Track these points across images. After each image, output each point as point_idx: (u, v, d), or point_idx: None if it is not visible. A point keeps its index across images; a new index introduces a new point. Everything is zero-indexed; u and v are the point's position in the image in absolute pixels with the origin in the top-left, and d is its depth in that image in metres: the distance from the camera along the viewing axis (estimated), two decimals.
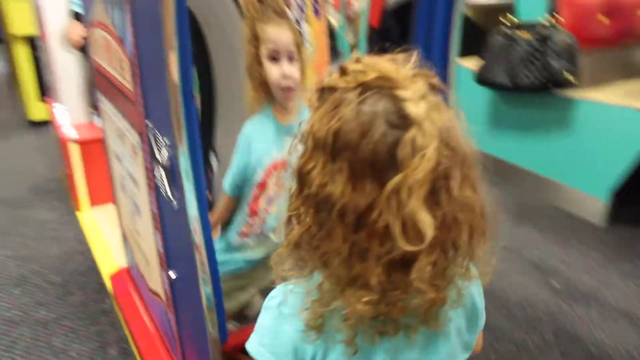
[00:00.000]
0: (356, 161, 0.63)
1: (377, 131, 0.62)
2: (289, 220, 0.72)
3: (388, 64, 0.67)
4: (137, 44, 1.17)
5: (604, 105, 2.70)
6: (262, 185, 1.42)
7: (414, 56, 0.69)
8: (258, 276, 1.55)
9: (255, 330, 0.80)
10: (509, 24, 2.94)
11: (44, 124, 4.05)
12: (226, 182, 1.43)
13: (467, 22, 4.02)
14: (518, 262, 2.53)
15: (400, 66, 0.67)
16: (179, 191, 1.12)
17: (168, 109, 1.06)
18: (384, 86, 0.65)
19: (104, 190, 2.82)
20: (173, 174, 1.13)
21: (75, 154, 2.67)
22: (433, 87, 0.67)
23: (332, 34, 1.39)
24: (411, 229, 0.62)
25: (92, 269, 2.40)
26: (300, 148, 0.70)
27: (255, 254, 1.52)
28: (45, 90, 3.57)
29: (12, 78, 4.74)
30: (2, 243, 2.66)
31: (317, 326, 0.72)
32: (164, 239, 1.36)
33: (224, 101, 1.77)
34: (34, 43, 3.84)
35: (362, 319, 0.68)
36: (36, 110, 4.12)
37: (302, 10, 1.32)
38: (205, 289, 1.18)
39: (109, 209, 2.84)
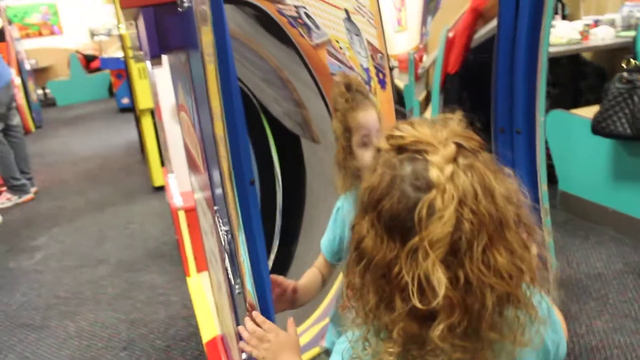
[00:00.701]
0: (378, 218, 0.68)
1: (397, 192, 0.66)
2: (347, 268, 0.77)
3: (426, 129, 0.70)
4: (202, 131, 1.20)
5: None
6: None
7: (458, 116, 0.72)
8: None
9: None
10: (629, 68, 2.69)
11: (164, 190, 4.34)
12: (322, 242, 1.43)
13: (589, 67, 3.78)
14: None
15: (437, 130, 0.70)
16: (239, 277, 1.11)
17: (224, 196, 1.06)
18: (418, 150, 0.68)
19: None
20: (232, 259, 1.12)
21: (182, 220, 2.79)
22: (467, 149, 0.68)
23: (399, 97, 1.36)
24: (427, 288, 0.64)
25: (194, 335, 2.46)
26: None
27: None
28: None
29: (141, 146, 5.18)
30: (116, 306, 2.83)
31: None
32: (236, 320, 1.35)
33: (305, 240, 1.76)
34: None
35: None
36: (159, 176, 4.43)
37: (368, 84, 1.30)
38: None
39: None
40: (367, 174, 0.72)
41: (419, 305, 0.64)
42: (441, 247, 0.64)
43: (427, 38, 1.43)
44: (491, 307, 0.66)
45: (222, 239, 1.18)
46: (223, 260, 1.31)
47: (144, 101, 4.35)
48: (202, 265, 2.93)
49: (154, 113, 4.19)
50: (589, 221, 3.11)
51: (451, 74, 1.35)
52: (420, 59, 1.43)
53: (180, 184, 3.00)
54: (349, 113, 1.28)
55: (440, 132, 0.70)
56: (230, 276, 1.17)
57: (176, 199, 2.85)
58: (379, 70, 1.30)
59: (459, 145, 0.68)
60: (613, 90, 2.69)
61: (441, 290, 0.63)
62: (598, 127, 2.76)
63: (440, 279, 0.63)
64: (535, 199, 1.28)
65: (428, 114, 1.93)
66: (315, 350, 1.86)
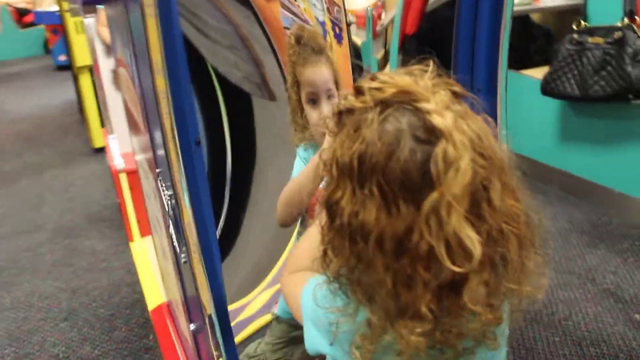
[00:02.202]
0: (386, 184, 0.59)
1: (404, 149, 0.59)
2: (324, 253, 0.69)
3: (405, 78, 0.64)
4: (142, 86, 1.09)
5: None
6: (311, 210, 1.32)
7: (431, 66, 0.66)
8: None
9: (316, 278, 0.77)
10: (579, 29, 2.69)
11: (104, 151, 4.14)
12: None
13: (538, 29, 3.79)
14: (592, 290, 2.27)
15: (418, 78, 0.64)
16: (185, 245, 1.03)
17: (167, 158, 0.96)
18: (404, 100, 0.61)
19: None
20: (177, 226, 1.04)
21: (124, 183, 2.67)
22: (456, 95, 0.64)
23: (356, 54, 1.31)
24: (457, 248, 0.59)
25: (138, 302, 2.37)
26: (325, 177, 0.67)
27: None
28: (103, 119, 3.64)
29: (80, 106, 4.92)
30: (56, 274, 2.69)
31: None
32: (183, 290, 1.27)
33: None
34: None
35: (418, 351, 0.64)
36: (99, 137, 4.22)
37: (324, 39, 1.22)
38: (222, 349, 1.07)
39: None
40: (341, 140, 0.63)
41: (455, 268, 0.58)
42: (463, 200, 0.58)
43: None
44: (515, 257, 0.64)
45: (165, 204, 1.10)
46: (167, 227, 1.23)
47: (81, 58, 4.09)
48: (145, 230, 2.81)
49: (92, 71, 3.97)
50: (537, 181, 3.17)
51: (409, 35, 1.29)
52: (379, 17, 1.37)
53: (122, 145, 2.86)
54: (297, 67, 1.22)
55: (421, 80, 0.63)
56: (175, 244, 1.09)
57: (117, 161, 2.71)
58: (335, 24, 1.24)
59: (451, 92, 0.63)
60: (563, 52, 2.70)
61: (476, 248, 0.58)
62: (547, 88, 2.77)
63: (471, 236, 0.58)
64: None
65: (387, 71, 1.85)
66: (266, 317, 1.81)
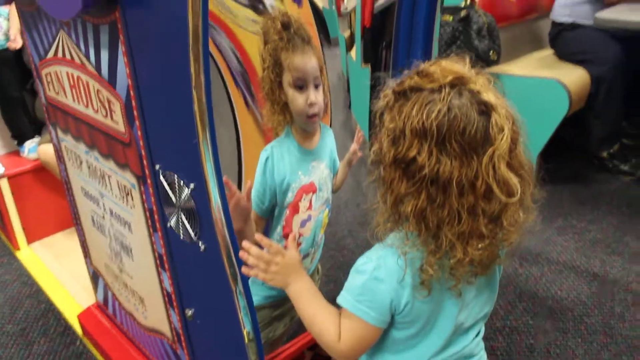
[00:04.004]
0: (465, 143, 0.82)
1: (473, 118, 0.82)
2: (396, 203, 0.88)
3: (456, 65, 0.88)
4: (138, 86, 1.11)
5: (525, 79, 2.90)
6: (294, 208, 1.38)
7: (467, 58, 0.90)
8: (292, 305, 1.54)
9: (348, 290, 0.97)
10: None
11: None
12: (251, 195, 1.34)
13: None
14: None
15: (463, 66, 0.88)
16: (209, 232, 1.09)
17: (193, 151, 1.01)
18: (460, 83, 0.84)
19: (41, 224, 2.63)
20: (201, 215, 1.09)
21: (6, 190, 2.46)
22: (488, 80, 0.88)
23: (321, 21, 1.38)
24: (504, 187, 0.83)
25: (48, 311, 2.24)
26: (385, 140, 0.87)
27: None
28: None
29: None
30: None
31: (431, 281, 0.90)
32: (175, 279, 1.31)
33: None
34: None
35: (473, 263, 0.88)
36: None
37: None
38: (245, 320, 1.15)
39: (49, 242, 2.65)
40: (415, 111, 0.83)
41: (506, 200, 0.83)
42: (506, 154, 0.82)
43: None
44: (529, 193, 0.89)
45: (174, 197, 1.13)
46: (154, 223, 1.25)
47: None
48: (34, 235, 2.63)
49: None
50: None
51: (368, 28, 1.42)
52: None
53: None
54: (284, 52, 1.23)
55: (465, 67, 0.88)
56: (191, 234, 1.14)
57: None
58: None
59: (486, 76, 0.88)
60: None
61: (517, 187, 0.83)
62: None
63: (513, 179, 0.83)
64: None
65: (353, 52, 1.96)
66: None
